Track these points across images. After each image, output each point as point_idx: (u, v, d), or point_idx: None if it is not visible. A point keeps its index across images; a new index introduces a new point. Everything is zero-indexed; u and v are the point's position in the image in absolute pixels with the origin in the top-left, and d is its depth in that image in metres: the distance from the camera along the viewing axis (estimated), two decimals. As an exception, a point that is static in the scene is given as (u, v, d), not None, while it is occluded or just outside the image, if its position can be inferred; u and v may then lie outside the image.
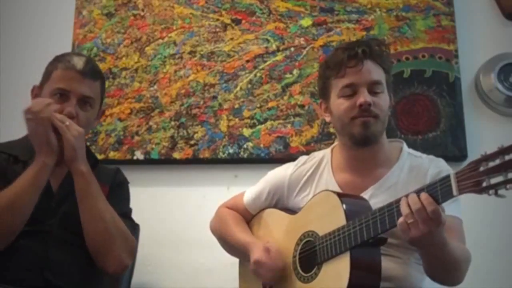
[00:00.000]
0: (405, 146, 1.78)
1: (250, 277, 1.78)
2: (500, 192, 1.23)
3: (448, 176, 1.34)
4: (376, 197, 1.65)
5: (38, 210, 1.65)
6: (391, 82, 1.78)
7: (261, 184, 1.90)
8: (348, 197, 1.63)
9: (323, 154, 1.85)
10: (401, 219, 1.39)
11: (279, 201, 1.86)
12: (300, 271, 1.65)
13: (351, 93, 1.68)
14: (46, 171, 1.66)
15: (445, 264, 1.50)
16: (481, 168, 1.26)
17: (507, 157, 1.22)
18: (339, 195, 1.62)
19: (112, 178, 1.84)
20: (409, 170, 1.69)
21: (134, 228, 1.85)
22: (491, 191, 1.24)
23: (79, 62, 1.77)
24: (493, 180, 1.23)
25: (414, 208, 1.37)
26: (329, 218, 1.60)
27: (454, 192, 1.32)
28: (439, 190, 1.36)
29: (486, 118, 2.49)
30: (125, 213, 1.84)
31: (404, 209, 1.39)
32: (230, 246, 1.87)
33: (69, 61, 1.78)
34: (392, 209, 1.46)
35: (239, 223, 1.88)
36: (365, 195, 1.67)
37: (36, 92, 1.82)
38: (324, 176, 1.78)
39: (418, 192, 1.40)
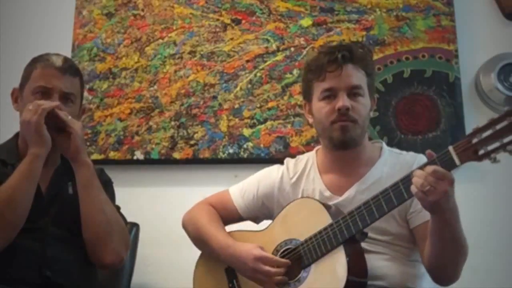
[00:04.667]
0: (384, 145, 1.82)
1: (212, 281, 1.81)
2: (498, 157, 1.34)
3: (447, 151, 1.43)
4: (361, 193, 1.68)
5: (30, 210, 1.66)
6: (374, 85, 1.80)
7: (249, 183, 1.90)
8: (324, 203, 1.68)
9: (308, 157, 1.87)
10: (415, 190, 1.44)
11: (266, 201, 1.85)
12: (276, 283, 1.64)
13: (331, 97, 1.70)
14: (38, 161, 1.67)
15: (455, 239, 1.52)
16: (475, 140, 1.38)
17: (498, 127, 1.35)
18: (315, 199, 1.68)
19: (97, 177, 1.83)
20: (392, 166, 1.73)
21: (126, 223, 1.86)
22: (492, 155, 1.35)
23: (57, 60, 1.80)
24: (490, 147, 1.35)
25: (424, 176, 1.42)
26: (312, 221, 1.63)
27: (457, 162, 1.41)
28: (440, 164, 1.43)
29: (486, 118, 2.42)
30: (116, 209, 1.85)
31: (416, 180, 1.44)
32: (205, 243, 1.83)
33: (47, 59, 1.80)
34: (379, 199, 1.53)
35: (219, 222, 1.85)
36: (350, 192, 1.71)
37: (16, 94, 1.84)
38: (311, 177, 1.80)
39: (405, 178, 1.49)
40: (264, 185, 1.86)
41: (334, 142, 1.71)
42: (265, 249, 1.69)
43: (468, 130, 2.39)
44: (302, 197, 1.76)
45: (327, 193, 1.73)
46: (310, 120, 1.82)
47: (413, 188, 1.44)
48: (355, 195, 1.69)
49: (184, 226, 1.93)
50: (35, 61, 1.82)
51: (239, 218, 1.89)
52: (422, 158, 1.70)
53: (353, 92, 1.70)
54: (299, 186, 1.80)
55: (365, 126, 1.74)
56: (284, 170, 1.86)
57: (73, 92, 1.81)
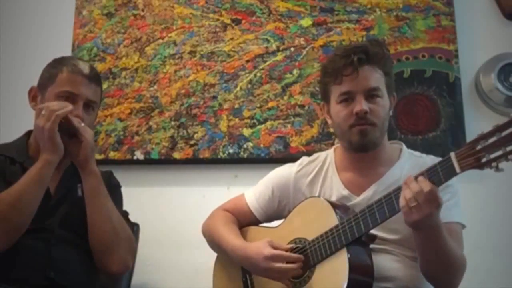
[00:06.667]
0: (404, 147, 1.81)
1: (227, 276, 1.81)
2: (500, 166, 1.31)
3: (448, 157, 1.41)
4: (380, 193, 1.65)
5: (37, 210, 1.66)
6: (393, 83, 1.79)
7: (263, 184, 1.89)
8: (334, 202, 1.68)
9: (326, 154, 1.86)
10: (402, 203, 1.44)
11: (282, 200, 1.85)
12: (290, 278, 1.65)
13: (349, 100, 1.69)
14: (49, 168, 1.67)
15: (439, 254, 1.53)
16: (479, 146, 1.34)
17: (504, 133, 1.30)
18: (326, 199, 1.69)
19: (106, 181, 1.84)
20: (412, 168, 1.71)
21: (133, 229, 1.88)
22: (493, 164, 1.31)
23: (85, 67, 1.81)
24: (493, 155, 1.32)
25: (414, 191, 1.42)
26: (320, 222, 1.64)
27: (457, 169, 1.39)
28: (441, 171, 1.43)
29: (486, 118, 2.49)
30: (123, 215, 1.85)
31: (406, 193, 1.44)
32: (218, 247, 1.84)
33: (75, 65, 1.80)
34: (382, 203, 1.52)
35: (231, 225, 1.85)
36: (368, 192, 1.70)
37: (35, 93, 1.83)
38: (329, 175, 1.79)
39: (416, 176, 1.46)
40: (279, 185, 1.85)
41: (353, 145, 1.71)
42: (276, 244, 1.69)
43: (468, 130, 2.41)
44: (312, 196, 1.75)
45: (345, 192, 1.73)
46: (329, 122, 1.81)
47: (402, 201, 1.45)
48: (373, 195, 1.67)
49: (203, 234, 1.93)
50: (60, 63, 1.82)
51: (256, 221, 1.88)
52: None
53: (371, 94, 1.69)
54: (316, 185, 1.80)
55: (385, 127, 1.73)
56: (299, 168, 1.85)
57: (96, 101, 1.83)
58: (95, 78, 1.82)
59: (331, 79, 1.73)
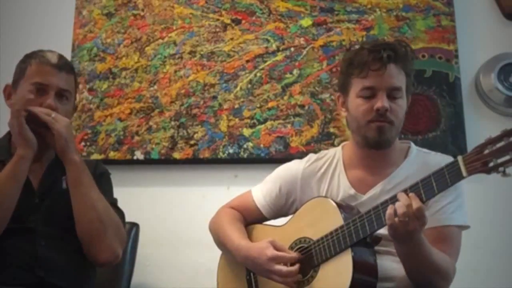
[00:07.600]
0: (413, 145, 1.81)
1: (232, 273, 1.81)
2: (508, 171, 1.31)
3: (456, 161, 1.41)
4: (386, 192, 1.66)
5: (20, 207, 1.65)
6: (411, 85, 1.78)
7: (270, 181, 1.89)
8: (340, 202, 1.68)
9: (334, 152, 1.85)
10: (390, 212, 1.45)
11: (290, 196, 1.84)
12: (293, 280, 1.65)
13: (370, 96, 1.69)
14: (23, 163, 1.67)
15: (421, 265, 1.53)
16: (486, 151, 1.34)
17: (511, 138, 1.31)
18: (332, 200, 1.68)
19: (93, 169, 1.83)
20: (420, 166, 1.71)
21: (123, 217, 1.86)
22: (500, 168, 1.31)
23: (53, 57, 1.80)
24: (500, 160, 1.31)
25: (406, 205, 1.43)
26: (325, 222, 1.63)
27: (464, 173, 1.38)
28: (447, 174, 1.42)
29: (486, 118, 2.49)
30: (112, 203, 1.84)
31: (399, 206, 1.45)
32: (223, 246, 1.84)
33: (43, 56, 1.79)
34: (388, 204, 1.50)
35: (237, 224, 1.85)
36: (375, 190, 1.70)
37: (9, 90, 1.83)
38: (336, 173, 1.79)
39: (414, 186, 1.47)
40: (286, 181, 1.85)
41: (368, 141, 1.70)
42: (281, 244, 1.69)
43: (468, 130, 2.42)
44: (318, 196, 1.74)
45: (352, 191, 1.73)
46: (343, 114, 1.80)
47: (390, 214, 1.45)
48: (379, 194, 1.67)
49: (210, 232, 1.92)
50: (29, 57, 1.81)
51: (263, 218, 1.87)
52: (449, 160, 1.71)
53: (393, 93, 1.69)
54: (324, 183, 1.79)
55: (400, 127, 1.73)
56: (307, 164, 1.84)
57: (69, 89, 1.80)
58: (64, 66, 1.80)
59: (356, 72, 1.71)
